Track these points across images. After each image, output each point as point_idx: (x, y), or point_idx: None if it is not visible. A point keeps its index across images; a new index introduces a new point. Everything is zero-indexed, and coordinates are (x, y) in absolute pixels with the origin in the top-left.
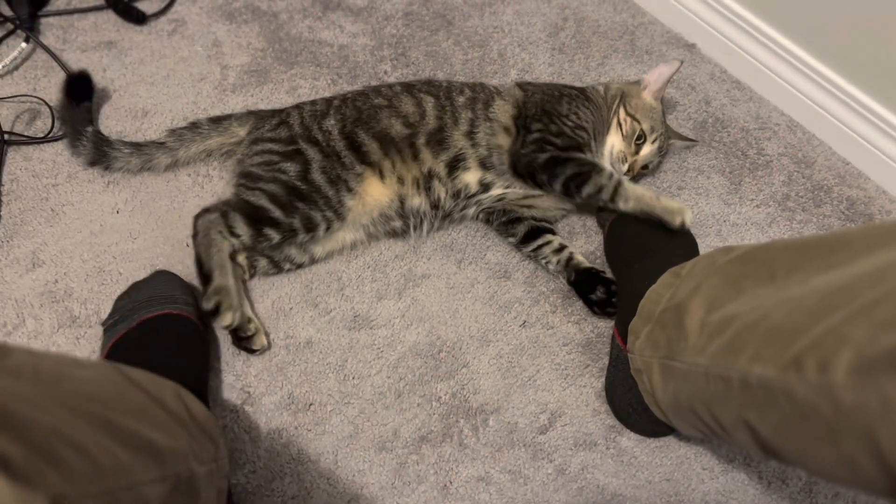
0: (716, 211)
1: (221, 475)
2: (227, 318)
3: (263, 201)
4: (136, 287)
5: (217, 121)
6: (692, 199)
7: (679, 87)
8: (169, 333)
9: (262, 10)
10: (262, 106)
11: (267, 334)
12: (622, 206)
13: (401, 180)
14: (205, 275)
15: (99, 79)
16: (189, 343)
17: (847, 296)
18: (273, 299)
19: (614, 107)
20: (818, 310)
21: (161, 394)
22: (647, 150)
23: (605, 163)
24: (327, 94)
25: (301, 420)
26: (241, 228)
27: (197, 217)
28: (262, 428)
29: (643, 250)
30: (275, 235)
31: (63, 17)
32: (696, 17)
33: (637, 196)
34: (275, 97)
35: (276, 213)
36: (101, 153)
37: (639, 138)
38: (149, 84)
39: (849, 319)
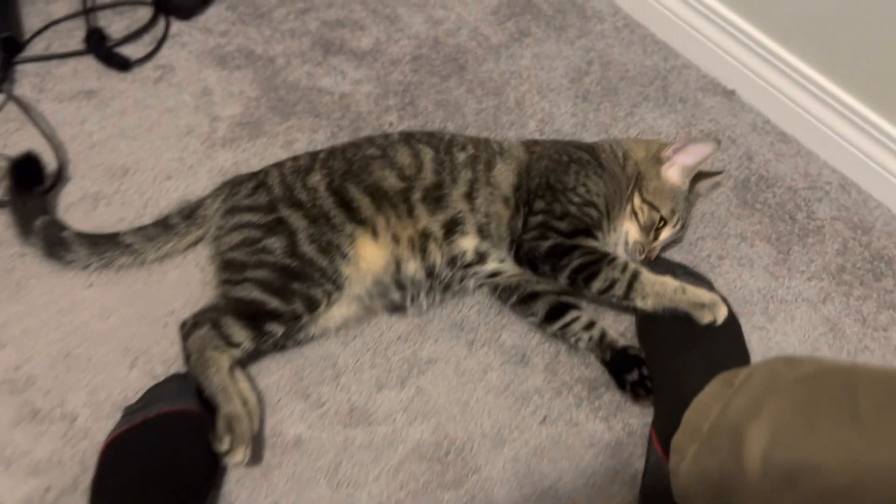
0: (762, 285)
1: None
2: (238, 456)
3: (256, 293)
4: (174, 377)
5: (190, 214)
6: (734, 270)
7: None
8: (183, 432)
9: (257, 54)
10: (255, 162)
11: (249, 443)
12: (639, 303)
13: (395, 239)
14: (206, 402)
15: (76, 132)
16: (201, 445)
17: None
18: (259, 389)
19: (629, 188)
20: None
21: None
22: (666, 234)
23: (619, 248)
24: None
25: None
26: (240, 334)
27: (186, 335)
28: None
29: (684, 338)
30: (277, 328)
31: (40, 63)
32: (734, 61)
33: (657, 292)
34: (269, 152)
35: (274, 302)
36: (53, 253)
37: (660, 222)
38: (130, 138)
39: None
